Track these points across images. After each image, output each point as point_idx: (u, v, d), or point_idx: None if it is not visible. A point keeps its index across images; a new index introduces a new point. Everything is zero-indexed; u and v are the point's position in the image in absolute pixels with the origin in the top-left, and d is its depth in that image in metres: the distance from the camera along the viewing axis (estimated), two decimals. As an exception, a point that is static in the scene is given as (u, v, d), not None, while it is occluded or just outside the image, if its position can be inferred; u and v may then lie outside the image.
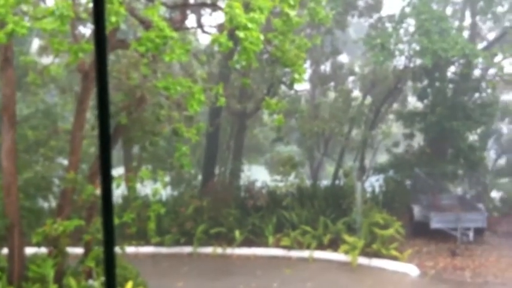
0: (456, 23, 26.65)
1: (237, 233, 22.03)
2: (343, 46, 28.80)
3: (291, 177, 26.06)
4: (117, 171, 17.85)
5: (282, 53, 12.39)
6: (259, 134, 32.67)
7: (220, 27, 13.11)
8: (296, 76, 12.83)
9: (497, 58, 25.38)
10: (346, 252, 20.65)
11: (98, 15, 2.34)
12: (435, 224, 21.80)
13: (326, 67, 29.99)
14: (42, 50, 19.34)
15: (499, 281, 18.73)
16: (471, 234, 21.68)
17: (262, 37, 10.52)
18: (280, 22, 11.81)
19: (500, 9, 24.26)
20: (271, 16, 12.11)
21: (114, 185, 13.16)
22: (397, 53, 22.43)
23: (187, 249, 22.02)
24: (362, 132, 27.57)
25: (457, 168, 25.70)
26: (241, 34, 10.11)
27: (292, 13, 11.58)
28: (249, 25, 10.03)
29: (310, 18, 13.95)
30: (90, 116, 17.82)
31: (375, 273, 19.64)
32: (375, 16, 26.37)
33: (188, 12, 15.62)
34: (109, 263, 2.42)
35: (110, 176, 2.39)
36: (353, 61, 32.33)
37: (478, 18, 26.66)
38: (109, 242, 2.44)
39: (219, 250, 21.89)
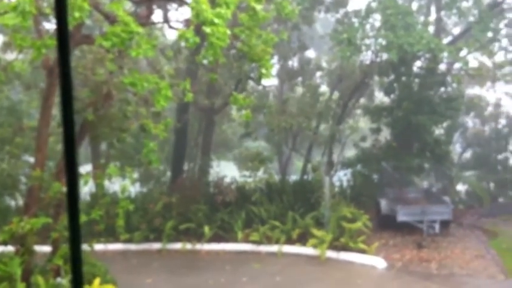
0: (422, 18, 26.96)
1: (206, 228, 22.02)
2: (310, 41, 28.98)
3: (260, 173, 26.14)
4: (85, 169, 17.67)
5: (248, 48, 12.39)
6: (227, 129, 32.71)
7: (187, 23, 13.03)
8: (263, 71, 12.84)
9: (462, 53, 25.79)
10: (315, 246, 20.79)
11: (60, 10, 2.32)
12: (402, 217, 22.07)
13: (293, 62, 30.15)
14: (6, 46, 19.00)
15: (465, 273, 19.03)
16: (437, 226, 21.99)
17: (229, 32, 10.50)
18: (246, 17, 11.80)
19: (465, 4, 24.56)
20: (237, 11, 12.13)
21: (81, 182, 13.11)
22: (363, 48, 22.61)
23: (157, 246, 21.94)
24: (330, 127, 27.77)
25: (423, 162, 26.05)
26: (207, 29, 10.08)
27: (259, 8, 11.58)
28: (216, 20, 10.01)
29: (277, 13, 14.00)
30: (56, 112, 17.58)
31: (343, 266, 19.81)
32: (342, 11, 26.55)
33: (154, 7, 15.48)
34: (75, 260, 2.41)
35: (75, 173, 2.38)
36: (320, 56, 32.56)
37: (443, 13, 27.03)
38: (75, 240, 2.43)
39: (188, 246, 21.87)
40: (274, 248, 21.39)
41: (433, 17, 28.12)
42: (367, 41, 22.61)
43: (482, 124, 33.55)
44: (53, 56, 13.33)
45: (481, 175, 31.87)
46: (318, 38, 28.41)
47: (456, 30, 29.27)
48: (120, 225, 15.13)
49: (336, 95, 29.12)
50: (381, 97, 29.93)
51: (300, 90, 30.39)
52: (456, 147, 34.31)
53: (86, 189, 19.11)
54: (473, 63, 29.08)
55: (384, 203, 23.61)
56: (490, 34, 24.91)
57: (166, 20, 19.52)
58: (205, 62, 12.62)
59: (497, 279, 18.37)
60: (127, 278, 17.35)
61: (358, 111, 30.27)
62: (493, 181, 31.60)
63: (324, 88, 29.96)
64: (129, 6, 15.72)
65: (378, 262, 19.95)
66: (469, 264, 19.86)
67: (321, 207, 22.16)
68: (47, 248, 14.67)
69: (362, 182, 26.57)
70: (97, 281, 13.44)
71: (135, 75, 11.06)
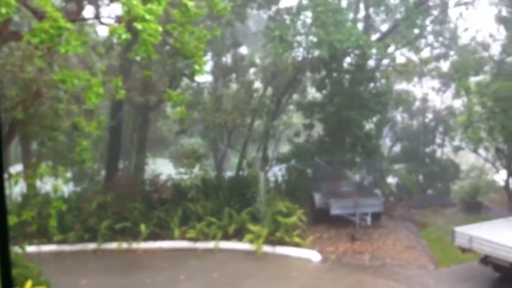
0: (351, 15, 27.50)
1: (142, 227, 21.86)
2: (243, 38, 29.10)
3: (196, 170, 26.15)
4: (16, 169, 17.27)
5: (181, 44, 12.41)
6: (163, 126, 32.51)
7: (119, 19, 12.92)
8: (196, 67, 12.90)
9: (390, 49, 26.53)
10: (251, 241, 21.00)
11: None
12: (335, 210, 22.56)
13: (227, 59, 30.18)
14: None
15: (396, 263, 19.67)
16: (369, 219, 22.59)
17: (160, 29, 10.50)
18: (178, 13, 11.83)
19: (392, 2, 25.23)
20: (169, 7, 12.13)
21: (12, 182, 12.80)
22: (295, 44, 22.88)
23: (92, 246, 21.63)
24: (264, 123, 28.00)
25: (355, 156, 26.63)
26: (139, 26, 10.06)
27: (191, 4, 11.62)
28: (147, 16, 9.99)
29: (209, 10, 14.06)
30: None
31: (279, 260, 20.10)
32: (274, 8, 26.77)
33: (85, 2, 15.24)
34: (4, 262, 2.42)
35: (2, 173, 2.39)
36: (254, 53, 32.71)
37: (371, 10, 27.65)
38: (3, 242, 2.44)
39: (125, 245, 21.65)
40: (211, 244, 21.47)
41: (361, 14, 28.73)
42: (298, 38, 22.89)
43: (411, 118, 34.62)
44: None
45: (410, 168, 32.89)
46: (251, 35, 28.54)
47: (384, 27, 30.01)
48: (53, 226, 14.91)
49: (269, 91, 29.38)
50: (313, 93, 30.38)
51: (234, 86, 30.49)
52: (386, 141, 35.23)
53: (17, 189, 18.66)
54: (400, 59, 30.04)
55: (317, 197, 24.07)
56: (416, 31, 25.75)
57: (97, 16, 19.20)
58: (137, 58, 12.54)
59: (427, 269, 19.11)
60: (61, 279, 17.06)
61: (292, 107, 30.64)
62: (422, 173, 32.65)
63: (257, 84, 30.15)
64: (58, 2, 15.44)
65: (313, 255, 20.34)
66: (401, 255, 20.53)
67: (257, 203, 22.37)
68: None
69: (296, 176, 26.96)
70: (29, 283, 13.16)
71: (65, 72, 10.89)
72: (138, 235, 21.84)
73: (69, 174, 24.87)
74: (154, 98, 24.65)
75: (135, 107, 25.78)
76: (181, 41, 12.39)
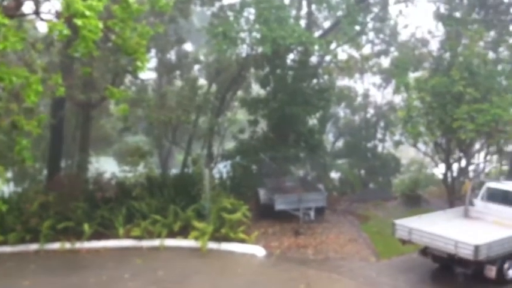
0: (294, 12, 27.76)
1: (85, 226, 21.53)
2: (187, 35, 29.04)
3: (140, 167, 25.98)
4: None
5: (123, 40, 12.34)
6: (106, 124, 32.07)
7: (59, 15, 12.72)
8: (139, 64, 12.85)
9: (332, 46, 26.95)
10: (196, 238, 21.00)
11: None
12: (279, 205, 22.78)
13: (171, 56, 30.04)
14: None
15: (339, 256, 20.05)
16: (312, 213, 22.94)
17: (101, 25, 10.42)
18: (119, 9, 11.75)
19: (334, -1, 25.65)
20: (110, 3, 12.04)
21: None
22: (239, 41, 22.90)
23: (34, 247, 21.16)
24: (209, 119, 28.00)
25: (299, 152, 26.97)
26: (79, 22, 9.95)
27: (132, 0, 11.56)
28: (87, 12, 9.90)
29: (151, 6, 13.99)
30: None
31: (225, 256, 20.19)
32: (217, 5, 26.81)
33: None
34: None
35: None
36: (198, 49, 32.66)
37: (314, 7, 27.98)
38: None
39: (68, 245, 21.27)
40: (156, 242, 21.33)
41: (304, 11, 29.06)
42: (242, 35, 22.93)
43: (353, 114, 35.26)
44: None
45: (353, 163, 33.52)
46: (195, 32, 28.49)
47: (326, 24, 30.44)
48: (-8, 227, 14.53)
49: (214, 88, 29.41)
50: (257, 89, 30.56)
51: (178, 83, 30.38)
52: (329, 137, 35.79)
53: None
54: (342, 55, 30.56)
55: (262, 193, 24.26)
56: (357, 28, 26.19)
57: (37, 12, 18.81)
58: (78, 55, 12.37)
59: (369, 261, 19.57)
60: (2, 282, 16.70)
61: (236, 104, 30.74)
62: (364, 168, 33.34)
63: (202, 81, 30.14)
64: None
65: (258, 250, 20.51)
66: (343, 248, 20.95)
67: (202, 200, 22.36)
68: None
69: (241, 173, 27.09)
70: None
71: (2, 69, 10.68)
72: (81, 235, 21.49)
73: (9, 174, 24.34)
74: (97, 95, 24.29)
75: (77, 105, 25.36)
76: (122, 37, 12.33)
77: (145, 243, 21.39)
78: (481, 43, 24.90)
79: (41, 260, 20.24)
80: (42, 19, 15.84)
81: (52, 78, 12.58)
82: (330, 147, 34.62)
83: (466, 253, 15.88)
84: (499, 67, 24.51)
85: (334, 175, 33.22)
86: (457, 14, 26.71)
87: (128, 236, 21.61)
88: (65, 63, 22.44)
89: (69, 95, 21.39)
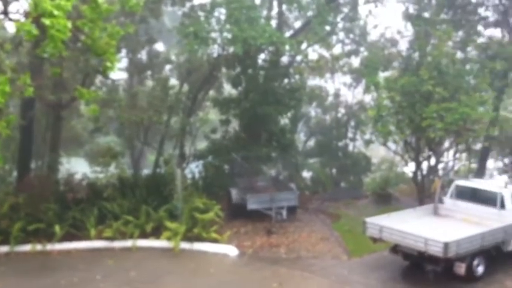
0: (264, 12, 27.88)
1: (57, 227, 21.31)
2: (158, 35, 28.96)
3: (112, 168, 25.84)
4: None
5: (92, 41, 12.28)
6: (77, 125, 31.79)
7: (27, 15, 12.60)
8: (108, 64, 12.79)
9: (303, 46, 27.11)
10: (169, 239, 20.95)
11: None
12: (251, 205, 22.86)
13: (142, 56, 29.92)
14: None
15: (311, 255, 20.21)
16: (284, 212, 23.06)
17: (70, 25, 10.36)
18: (89, 9, 11.70)
19: (304, -1, 25.82)
20: (79, 3, 11.98)
21: None
22: (210, 41, 22.93)
23: (4, 249, 20.84)
24: (180, 119, 27.96)
25: (271, 151, 27.06)
26: (47, 21, 9.88)
27: (101, 0, 11.52)
28: (55, 12, 9.84)
29: (121, 6, 13.94)
30: None
31: (197, 256, 20.18)
32: (188, 5, 26.78)
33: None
34: None
35: None
36: (169, 49, 32.56)
37: (284, 7, 28.12)
38: None
39: (39, 247, 21.03)
40: (128, 243, 21.23)
41: (275, 11, 29.17)
42: (213, 35, 22.98)
43: (324, 113, 35.47)
44: None
45: (324, 162, 33.73)
46: (166, 32, 28.43)
47: (297, 24, 30.60)
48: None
49: (185, 87, 29.37)
50: (229, 89, 30.59)
51: (149, 83, 30.26)
52: (301, 136, 35.97)
53: None
54: (313, 55, 30.73)
55: (234, 193, 24.30)
56: (328, 28, 26.40)
57: (5, 12, 18.59)
58: (46, 55, 12.27)
59: (341, 259, 19.77)
60: (-30, 285, 16.47)
61: (208, 104, 30.74)
62: (335, 167, 33.57)
63: (173, 81, 30.06)
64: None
65: (230, 250, 20.56)
66: (315, 246, 21.11)
67: (174, 200, 22.32)
68: None
69: (213, 173, 27.11)
70: None
71: (-31, 70, 10.56)
72: (52, 236, 21.27)
73: (-22, 176, 24.05)
74: (67, 95, 24.07)
75: (47, 105, 25.09)
76: (92, 38, 12.27)
77: (118, 244, 21.27)
78: (450, 43, 25.27)
79: (11, 262, 19.99)
80: (10, 19, 15.69)
81: (21, 78, 12.45)
82: (302, 147, 34.80)
83: (436, 250, 16.14)
84: (467, 66, 24.94)
85: (306, 174, 33.41)
86: (426, 14, 27.16)
87: (99, 237, 21.46)
88: (34, 63, 22.19)
89: (39, 96, 21.17)
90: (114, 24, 14.27)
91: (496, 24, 28.60)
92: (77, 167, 26.16)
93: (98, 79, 26.93)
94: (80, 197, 23.03)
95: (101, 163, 25.84)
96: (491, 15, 28.48)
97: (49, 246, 21.07)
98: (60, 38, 10.10)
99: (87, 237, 21.45)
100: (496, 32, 29.35)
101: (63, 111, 25.91)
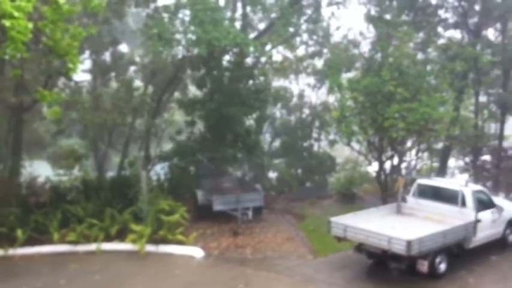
0: (229, 14, 27.92)
1: (19, 232, 20.97)
2: (122, 36, 28.77)
3: (75, 171, 25.53)
4: None
5: (54, 42, 12.17)
6: (39, 127, 31.35)
7: (-14, 16, 12.41)
8: (70, 66, 12.68)
9: (267, 47, 27.25)
10: (134, 241, 20.77)
11: None
12: (217, 206, 22.84)
13: (106, 57, 29.68)
14: None
15: (277, 255, 20.29)
16: (250, 213, 23.10)
17: (31, 26, 10.25)
18: (50, 10, 11.58)
19: (268, 1, 25.88)
20: (41, 4, 11.85)
21: None
22: (174, 42, 22.90)
23: (-36, 255, 20.49)
24: (145, 121, 27.81)
25: (236, 152, 27.08)
26: (7, 23, 9.76)
27: (62, 1, 11.42)
28: (15, 13, 9.73)
29: (83, 7, 13.84)
30: None
31: (163, 258, 20.07)
32: (152, 6, 26.68)
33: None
34: None
35: None
36: (133, 51, 32.38)
37: (248, 9, 28.21)
38: None
39: (0, 252, 20.68)
40: (92, 246, 21.00)
41: (239, 12, 29.25)
42: (177, 36, 22.95)
43: (289, 114, 35.73)
44: None
45: (290, 162, 33.93)
46: (130, 33, 28.27)
47: (261, 26, 30.71)
48: None
49: (150, 89, 29.23)
50: (194, 90, 30.55)
51: (114, 85, 30.03)
52: (266, 137, 36.09)
53: None
54: (277, 57, 30.95)
55: (200, 194, 24.28)
56: (291, 29, 26.60)
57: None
58: (7, 57, 12.10)
59: (306, 259, 19.92)
60: None
61: (173, 105, 30.65)
62: (300, 167, 33.81)
63: (138, 83, 29.90)
64: None
65: (196, 252, 20.52)
66: (281, 246, 21.23)
67: (139, 202, 22.13)
68: None
69: (179, 174, 26.98)
70: None
71: None
72: (14, 241, 20.90)
73: None
74: (29, 98, 23.73)
75: (9, 108, 24.69)
76: (53, 39, 12.15)
77: (82, 247, 21.03)
78: (411, 44, 25.71)
79: (-28, 268, 19.63)
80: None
81: (-21, 80, 12.27)
82: (267, 147, 34.92)
83: (399, 248, 16.37)
84: (428, 67, 25.43)
85: (272, 175, 33.53)
86: (387, 16, 27.58)
87: (63, 241, 21.18)
88: (-5, 65, 21.86)
89: (0, 98, 20.84)
90: (77, 26, 14.16)
91: (455, 25, 29.24)
92: (40, 170, 25.79)
93: (61, 81, 26.60)
94: (43, 200, 22.70)
95: (64, 166, 25.50)
96: (450, 17, 29.09)
97: (11, 251, 20.71)
98: (21, 40, 9.98)
99: (51, 241, 21.15)
100: (456, 34, 30.09)
101: (25, 114, 25.52)
